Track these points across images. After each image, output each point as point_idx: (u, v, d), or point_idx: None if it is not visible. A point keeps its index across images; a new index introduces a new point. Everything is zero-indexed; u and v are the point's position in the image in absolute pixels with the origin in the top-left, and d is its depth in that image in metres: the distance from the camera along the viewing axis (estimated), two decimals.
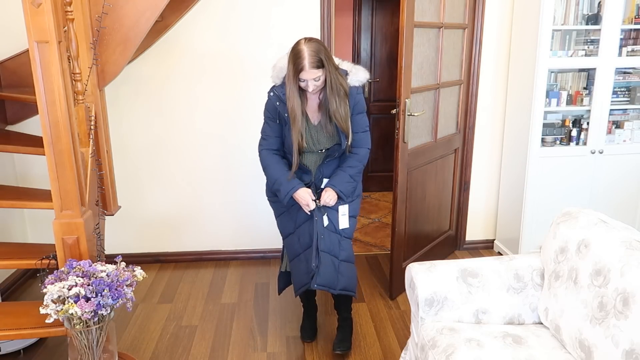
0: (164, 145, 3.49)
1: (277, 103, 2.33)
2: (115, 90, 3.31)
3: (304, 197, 2.34)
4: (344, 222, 2.46)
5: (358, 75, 2.36)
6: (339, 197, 2.39)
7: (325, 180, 2.44)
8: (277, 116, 2.37)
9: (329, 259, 2.41)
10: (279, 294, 2.78)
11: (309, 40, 2.22)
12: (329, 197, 2.37)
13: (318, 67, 2.19)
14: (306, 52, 2.17)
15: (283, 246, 2.62)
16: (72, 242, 2.12)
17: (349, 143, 2.39)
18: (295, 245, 2.49)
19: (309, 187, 2.41)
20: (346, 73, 2.34)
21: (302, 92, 2.31)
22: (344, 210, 2.45)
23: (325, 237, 2.41)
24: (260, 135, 2.46)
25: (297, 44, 2.21)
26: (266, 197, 2.59)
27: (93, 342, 1.98)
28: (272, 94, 2.36)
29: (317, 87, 2.26)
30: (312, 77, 2.20)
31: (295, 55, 2.19)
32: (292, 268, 2.54)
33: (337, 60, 2.34)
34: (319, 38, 3.22)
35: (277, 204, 2.51)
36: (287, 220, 2.51)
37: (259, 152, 2.45)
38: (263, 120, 2.44)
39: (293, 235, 2.50)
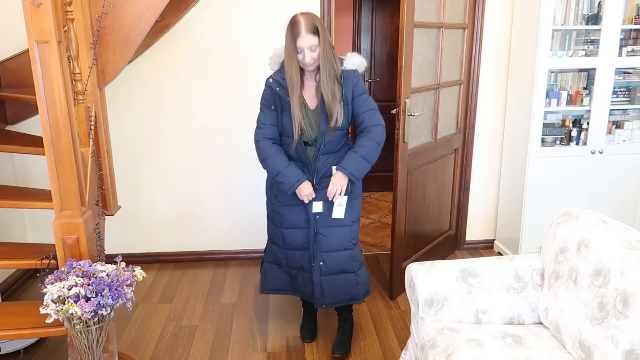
0: (164, 145, 3.49)
1: (277, 88, 2.33)
2: (115, 90, 3.31)
3: (305, 189, 2.35)
4: (338, 212, 2.39)
5: (353, 60, 2.36)
6: (350, 181, 2.34)
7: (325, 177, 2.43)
8: (273, 102, 2.37)
9: (341, 279, 2.46)
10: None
11: (304, 12, 2.27)
12: (335, 185, 2.31)
13: (314, 33, 2.21)
14: (302, 19, 2.22)
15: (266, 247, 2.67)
16: (72, 242, 2.12)
17: (332, 125, 2.31)
18: (282, 260, 2.54)
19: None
20: (342, 60, 2.35)
21: (301, 70, 2.30)
22: (340, 200, 2.38)
23: (327, 262, 2.43)
24: (255, 125, 2.44)
25: (294, 15, 2.26)
26: (265, 196, 2.60)
27: (93, 342, 1.98)
28: (270, 80, 2.37)
29: (313, 59, 2.25)
30: (308, 45, 2.21)
31: (292, 24, 2.23)
32: (267, 269, 2.59)
33: None
34: None
35: (272, 205, 2.52)
36: (278, 233, 2.54)
37: (256, 142, 2.40)
38: (259, 110, 2.44)
39: (282, 249, 2.54)
